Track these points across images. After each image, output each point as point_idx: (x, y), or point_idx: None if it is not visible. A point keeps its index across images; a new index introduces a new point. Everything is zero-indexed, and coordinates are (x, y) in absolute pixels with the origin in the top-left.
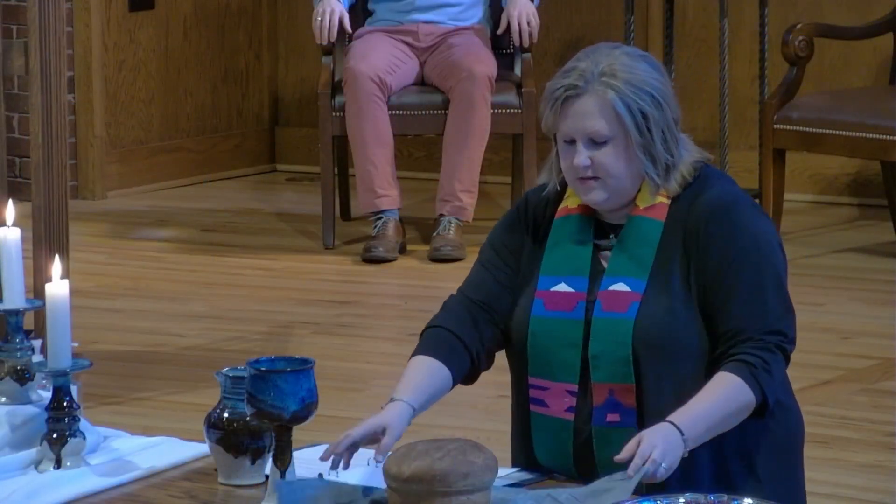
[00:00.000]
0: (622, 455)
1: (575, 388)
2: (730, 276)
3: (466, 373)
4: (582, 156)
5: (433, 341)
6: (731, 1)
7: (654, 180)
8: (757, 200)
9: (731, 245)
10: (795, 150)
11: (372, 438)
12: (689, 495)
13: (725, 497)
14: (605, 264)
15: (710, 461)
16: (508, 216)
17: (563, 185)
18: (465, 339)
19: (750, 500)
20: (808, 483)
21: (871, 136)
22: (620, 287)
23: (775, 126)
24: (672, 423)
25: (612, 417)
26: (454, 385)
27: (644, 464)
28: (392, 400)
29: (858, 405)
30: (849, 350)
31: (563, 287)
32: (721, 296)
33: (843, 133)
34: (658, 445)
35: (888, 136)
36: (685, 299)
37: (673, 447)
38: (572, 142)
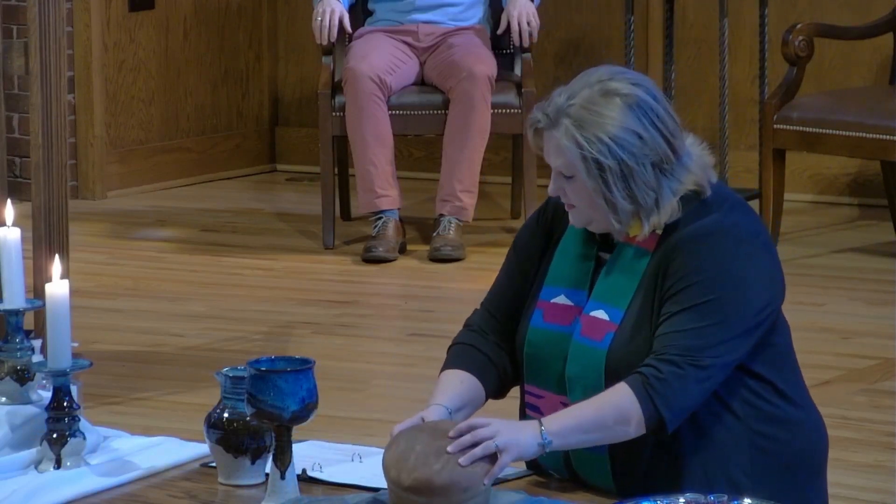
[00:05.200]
0: (453, 434)
1: (568, 401)
2: (671, 303)
3: (495, 387)
4: (552, 185)
5: (460, 357)
6: (731, 1)
7: (614, 226)
8: (757, 200)
9: (687, 275)
10: (795, 150)
11: None
12: (688, 495)
13: (725, 497)
14: None
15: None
16: (529, 219)
17: None
18: (491, 354)
19: (750, 500)
20: None
21: (871, 136)
22: (600, 314)
23: (775, 126)
24: (539, 420)
25: None
26: (487, 398)
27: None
28: (429, 407)
29: (858, 405)
30: (849, 350)
31: (562, 300)
32: (661, 321)
33: (843, 133)
34: (501, 433)
35: (888, 136)
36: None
37: (520, 440)
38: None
